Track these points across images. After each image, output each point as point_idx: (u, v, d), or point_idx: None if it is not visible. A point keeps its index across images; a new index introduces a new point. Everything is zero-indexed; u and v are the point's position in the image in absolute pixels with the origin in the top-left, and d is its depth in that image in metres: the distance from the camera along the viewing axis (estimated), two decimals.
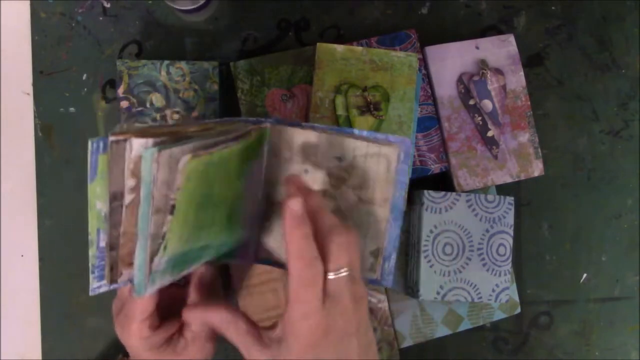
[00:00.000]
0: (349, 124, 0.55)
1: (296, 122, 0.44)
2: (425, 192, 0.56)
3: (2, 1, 0.61)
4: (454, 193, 0.56)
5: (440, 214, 0.56)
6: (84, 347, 0.59)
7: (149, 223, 0.37)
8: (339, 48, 0.56)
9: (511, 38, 0.61)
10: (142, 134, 0.37)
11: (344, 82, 0.56)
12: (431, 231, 0.56)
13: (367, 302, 0.40)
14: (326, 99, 0.56)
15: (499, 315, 0.60)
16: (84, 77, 0.61)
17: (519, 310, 0.61)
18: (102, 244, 0.39)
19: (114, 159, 0.37)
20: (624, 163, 0.65)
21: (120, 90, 0.57)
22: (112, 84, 0.61)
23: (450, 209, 0.56)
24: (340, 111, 0.55)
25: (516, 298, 0.61)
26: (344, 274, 0.37)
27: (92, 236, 0.39)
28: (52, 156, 0.60)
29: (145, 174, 0.36)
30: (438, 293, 0.56)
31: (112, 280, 0.40)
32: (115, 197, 0.39)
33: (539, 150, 0.60)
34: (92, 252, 0.39)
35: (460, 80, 0.60)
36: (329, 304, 0.36)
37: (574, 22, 0.66)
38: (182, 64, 0.58)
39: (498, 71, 0.60)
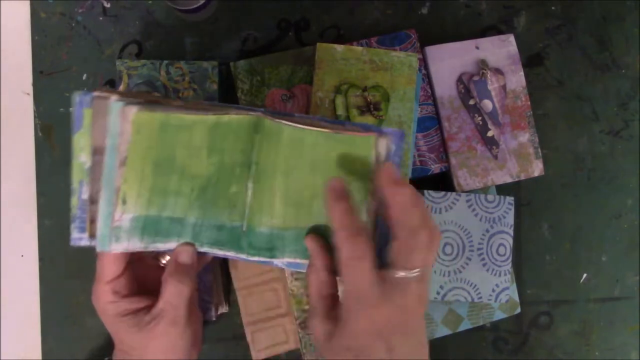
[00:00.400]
0: None
1: (289, 113, 0.44)
2: (425, 192, 0.56)
3: (2, 1, 0.61)
4: (454, 193, 0.56)
5: (440, 214, 0.56)
6: (84, 347, 0.59)
7: (114, 176, 0.37)
8: (339, 48, 0.56)
9: (511, 38, 0.61)
10: (124, 95, 0.38)
11: (344, 82, 0.56)
12: None
13: (427, 302, 0.41)
14: (326, 99, 0.56)
15: (499, 315, 0.60)
16: (84, 77, 0.61)
17: (519, 310, 0.61)
18: (85, 196, 0.40)
19: (97, 114, 0.38)
20: (624, 163, 0.65)
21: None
22: (112, 84, 0.61)
23: (450, 209, 0.56)
24: (340, 111, 0.55)
25: (516, 298, 0.61)
26: (415, 274, 0.38)
27: (75, 185, 0.40)
28: (52, 156, 0.60)
29: (112, 127, 0.37)
30: (438, 293, 0.56)
31: (92, 234, 0.41)
32: (97, 152, 0.39)
33: (539, 150, 0.60)
34: (74, 202, 0.40)
35: (460, 80, 0.60)
36: (391, 295, 0.37)
37: (574, 22, 0.66)
38: (182, 64, 0.58)
39: (498, 71, 0.60)
